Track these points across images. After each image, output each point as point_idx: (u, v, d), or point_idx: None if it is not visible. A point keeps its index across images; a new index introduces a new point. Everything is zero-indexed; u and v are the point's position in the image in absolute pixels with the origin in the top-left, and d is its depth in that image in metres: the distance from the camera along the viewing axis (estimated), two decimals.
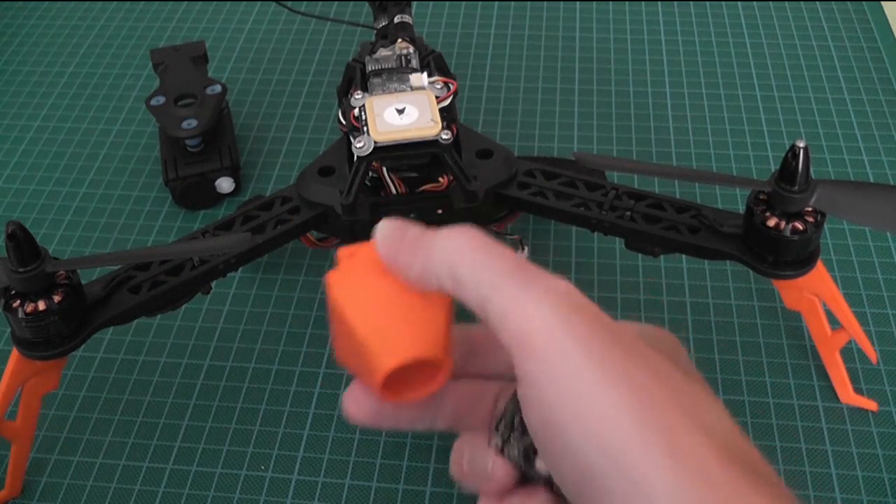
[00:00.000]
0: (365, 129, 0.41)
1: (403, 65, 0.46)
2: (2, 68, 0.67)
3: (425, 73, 0.44)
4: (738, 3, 0.70)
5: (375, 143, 0.40)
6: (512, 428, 0.27)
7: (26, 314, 0.37)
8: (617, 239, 0.45)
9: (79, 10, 0.72)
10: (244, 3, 0.72)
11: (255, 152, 0.59)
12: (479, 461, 0.27)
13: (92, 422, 0.45)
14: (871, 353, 0.44)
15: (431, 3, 0.71)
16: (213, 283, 0.44)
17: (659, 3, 0.70)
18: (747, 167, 0.56)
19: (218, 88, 0.55)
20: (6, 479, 0.41)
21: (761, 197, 0.40)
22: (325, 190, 0.44)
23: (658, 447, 0.22)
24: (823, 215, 0.40)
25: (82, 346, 0.39)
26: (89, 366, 0.47)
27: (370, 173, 0.43)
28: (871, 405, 0.44)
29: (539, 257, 0.51)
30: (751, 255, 0.41)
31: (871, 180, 0.55)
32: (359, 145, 0.40)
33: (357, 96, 0.43)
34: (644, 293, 0.49)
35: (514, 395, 0.26)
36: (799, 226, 0.39)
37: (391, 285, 0.27)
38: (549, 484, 0.26)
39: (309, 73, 0.65)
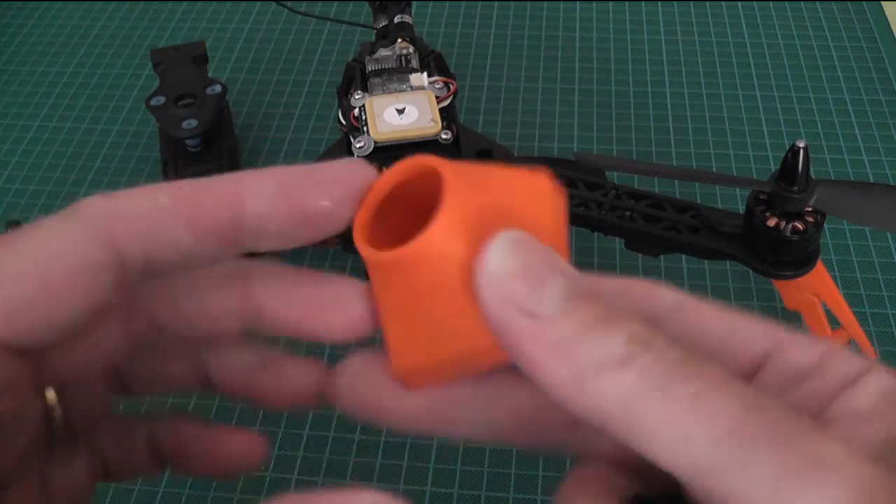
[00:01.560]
0: (365, 129, 0.41)
1: (403, 65, 0.46)
2: (2, 68, 0.67)
3: (425, 73, 0.44)
4: (738, 3, 0.70)
5: (375, 143, 0.40)
6: None
7: None
8: (617, 239, 0.45)
9: (79, 10, 0.72)
10: (244, 3, 0.72)
11: (255, 152, 0.59)
12: None
13: None
14: (871, 353, 0.44)
15: (431, 3, 0.71)
16: None
17: (659, 3, 0.70)
18: (747, 167, 0.56)
19: (218, 88, 0.55)
20: None
21: (761, 197, 0.40)
22: None
23: None
24: (823, 215, 0.40)
25: None
26: None
27: None
28: None
29: None
30: (751, 255, 0.41)
31: (871, 180, 0.55)
32: (359, 145, 0.40)
33: (357, 96, 0.43)
34: None
35: None
36: (799, 226, 0.39)
37: None
38: None
39: (309, 73, 0.65)
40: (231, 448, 0.23)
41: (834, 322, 0.43)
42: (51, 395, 0.20)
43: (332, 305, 0.21)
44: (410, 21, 0.50)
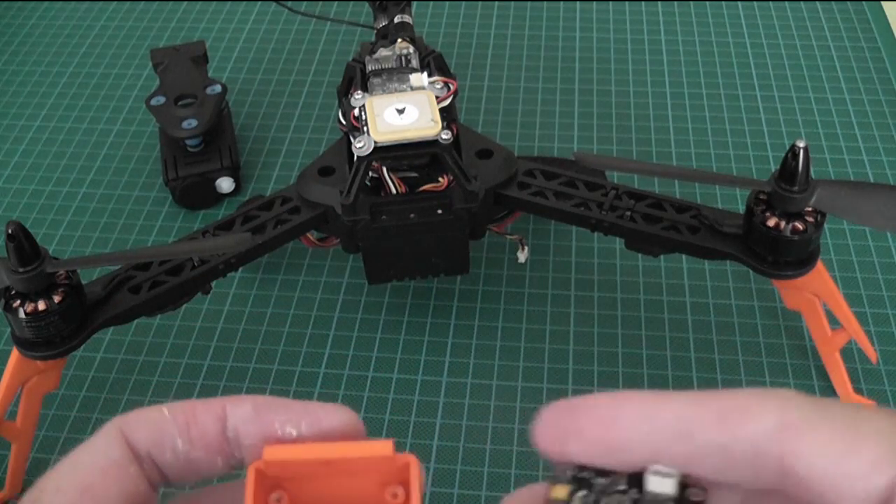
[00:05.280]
0: (365, 129, 0.41)
1: (403, 65, 0.46)
2: (2, 68, 0.67)
3: (425, 73, 0.44)
4: (738, 3, 0.70)
5: (375, 143, 0.40)
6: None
7: (26, 314, 0.37)
8: (617, 239, 0.45)
9: (79, 10, 0.72)
10: (244, 3, 0.72)
11: (255, 152, 0.59)
12: None
13: (92, 422, 0.45)
14: (871, 353, 0.44)
15: (431, 3, 0.71)
16: (213, 283, 0.44)
17: (659, 3, 0.70)
18: (747, 167, 0.56)
19: (218, 88, 0.55)
20: (6, 479, 0.41)
21: (761, 197, 0.40)
22: (325, 190, 0.44)
23: None
24: (823, 215, 0.40)
25: (82, 346, 0.39)
26: (89, 366, 0.47)
27: (370, 173, 0.43)
28: (870, 405, 0.44)
29: (539, 257, 0.51)
30: (751, 255, 0.41)
31: (871, 180, 0.55)
32: (359, 145, 0.40)
33: (357, 96, 0.43)
34: (644, 293, 0.49)
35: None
36: (799, 226, 0.39)
37: None
38: None
39: (309, 73, 0.65)
40: None
41: (834, 322, 0.43)
42: None
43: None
44: (410, 21, 0.50)
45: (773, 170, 0.40)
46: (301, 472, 0.22)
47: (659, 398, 0.20)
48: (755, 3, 0.70)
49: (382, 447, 0.21)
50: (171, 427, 0.22)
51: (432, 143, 0.41)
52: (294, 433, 0.22)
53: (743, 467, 0.19)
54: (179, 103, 0.54)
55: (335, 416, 0.22)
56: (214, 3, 0.72)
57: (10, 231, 0.36)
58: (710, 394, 0.20)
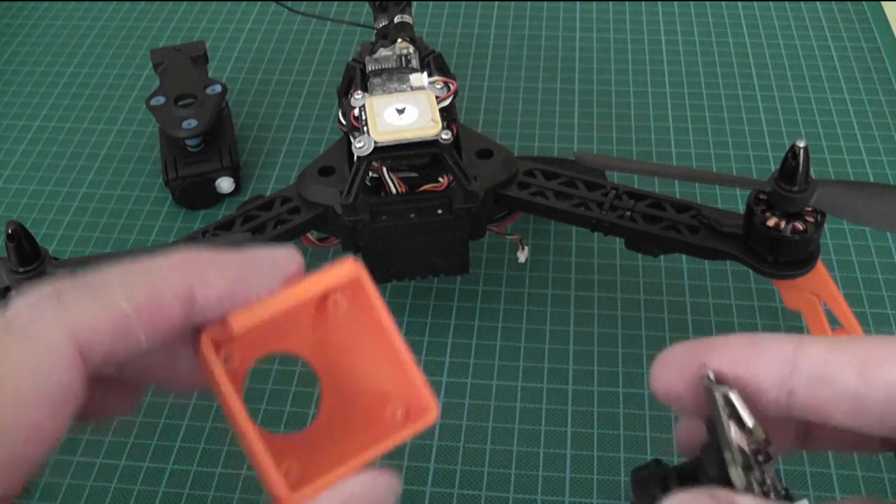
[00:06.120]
0: (365, 129, 0.41)
1: (403, 65, 0.46)
2: (2, 68, 0.67)
3: (425, 73, 0.44)
4: (738, 3, 0.70)
5: (375, 143, 0.40)
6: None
7: None
8: (617, 239, 0.46)
9: (79, 10, 0.72)
10: (244, 3, 0.72)
11: (255, 152, 0.59)
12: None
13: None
14: None
15: (431, 3, 0.71)
16: None
17: (659, 3, 0.70)
18: (747, 167, 0.56)
19: (218, 88, 0.55)
20: None
21: (761, 197, 0.40)
22: (326, 190, 0.44)
23: None
24: (823, 215, 0.40)
25: None
26: None
27: (370, 173, 0.43)
28: None
29: (539, 257, 0.51)
30: (751, 255, 0.41)
31: (871, 180, 0.55)
32: (359, 145, 0.40)
33: (357, 96, 0.43)
34: (644, 293, 0.49)
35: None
36: (799, 226, 0.39)
37: None
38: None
39: (309, 73, 0.65)
40: None
41: (834, 322, 0.43)
42: None
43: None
44: (410, 21, 0.50)
45: (773, 170, 0.40)
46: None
47: (798, 341, 0.20)
48: (755, 3, 0.70)
49: (346, 270, 0.21)
50: (136, 329, 0.19)
51: (432, 143, 0.41)
52: (265, 295, 0.21)
53: (871, 414, 0.19)
54: (179, 103, 0.54)
55: (293, 261, 0.21)
56: (214, 3, 0.72)
57: (10, 231, 0.36)
58: (847, 341, 0.20)
